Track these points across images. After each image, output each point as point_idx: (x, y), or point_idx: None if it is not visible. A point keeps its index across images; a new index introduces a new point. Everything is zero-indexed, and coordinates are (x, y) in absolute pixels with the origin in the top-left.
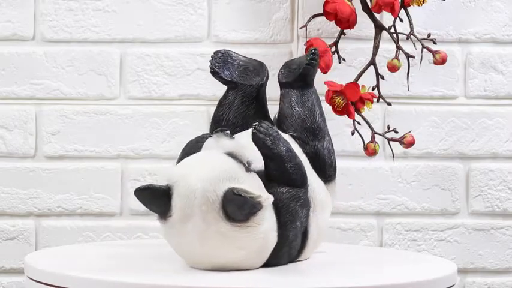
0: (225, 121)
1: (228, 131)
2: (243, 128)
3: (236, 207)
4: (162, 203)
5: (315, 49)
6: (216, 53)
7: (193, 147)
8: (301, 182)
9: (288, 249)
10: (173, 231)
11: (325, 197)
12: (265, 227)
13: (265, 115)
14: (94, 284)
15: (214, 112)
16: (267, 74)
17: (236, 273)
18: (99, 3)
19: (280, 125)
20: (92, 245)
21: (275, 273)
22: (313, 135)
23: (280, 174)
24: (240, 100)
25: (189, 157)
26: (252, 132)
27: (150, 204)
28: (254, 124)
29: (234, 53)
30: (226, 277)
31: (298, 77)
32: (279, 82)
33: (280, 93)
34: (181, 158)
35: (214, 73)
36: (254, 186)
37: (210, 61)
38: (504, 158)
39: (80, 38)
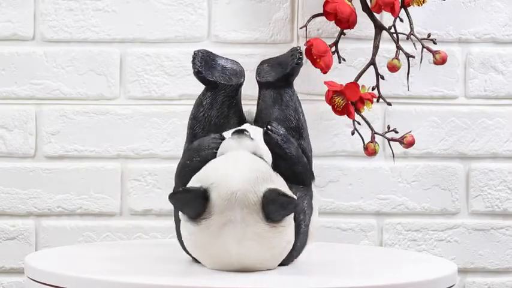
0: (206, 121)
1: (248, 132)
2: (223, 128)
3: (279, 208)
4: (200, 206)
5: (299, 48)
6: (196, 53)
7: (207, 148)
8: (309, 182)
9: (299, 248)
10: (207, 233)
11: (315, 196)
12: (292, 227)
13: (241, 115)
14: (94, 284)
15: (194, 112)
16: (244, 73)
17: (236, 274)
18: (99, 3)
19: (261, 125)
20: (92, 245)
21: (275, 273)
22: (298, 134)
23: (291, 173)
24: (221, 100)
25: (219, 159)
26: (265, 132)
27: (187, 207)
28: (266, 124)
29: (212, 52)
30: (226, 277)
31: (282, 76)
32: (259, 82)
33: (260, 93)
34: (191, 158)
35: (198, 73)
36: (283, 186)
37: (192, 61)
38: (504, 158)
39: (80, 38)
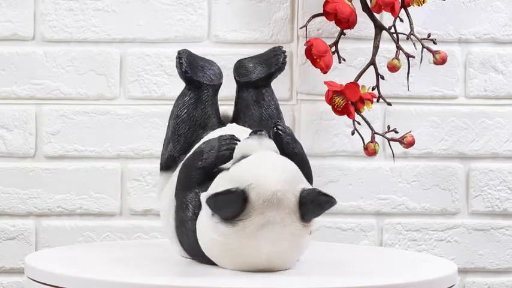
0: (191, 121)
1: (265, 132)
2: (206, 128)
3: (317, 207)
4: (240, 207)
5: (282, 47)
6: (182, 52)
7: (222, 149)
8: (312, 180)
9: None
10: (242, 235)
11: None
12: (315, 226)
13: (219, 115)
14: (94, 284)
15: (177, 112)
16: (222, 74)
17: (237, 274)
18: (99, 3)
19: (243, 125)
20: (92, 245)
21: (275, 273)
22: None
23: None
24: (205, 100)
25: (249, 159)
26: (275, 132)
27: (226, 209)
28: (274, 124)
29: (192, 53)
30: (227, 277)
31: (265, 76)
32: (239, 82)
33: (239, 93)
34: (203, 160)
35: (185, 73)
36: (309, 185)
37: (179, 61)
38: (504, 158)
39: (80, 38)
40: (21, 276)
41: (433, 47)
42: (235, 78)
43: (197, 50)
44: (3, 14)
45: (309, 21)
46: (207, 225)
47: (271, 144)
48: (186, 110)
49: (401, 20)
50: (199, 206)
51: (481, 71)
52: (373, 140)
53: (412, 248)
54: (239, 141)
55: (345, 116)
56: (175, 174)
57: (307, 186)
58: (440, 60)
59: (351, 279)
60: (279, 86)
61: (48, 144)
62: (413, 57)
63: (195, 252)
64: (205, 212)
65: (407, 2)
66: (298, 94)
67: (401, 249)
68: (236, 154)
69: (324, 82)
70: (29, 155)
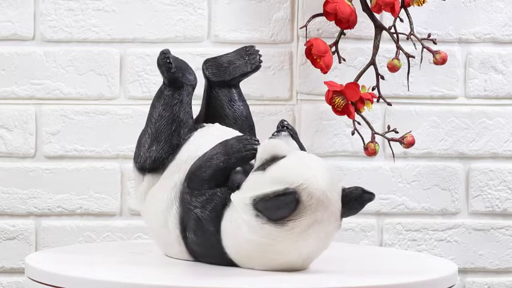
0: (176, 121)
1: (287, 132)
2: (189, 128)
3: (360, 205)
4: (293, 208)
5: (254, 46)
6: (166, 52)
7: (245, 150)
8: None
9: None
10: (290, 235)
11: None
12: None
13: (191, 114)
14: (94, 284)
15: (159, 112)
16: (195, 73)
17: (238, 274)
18: (99, 3)
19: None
20: (92, 245)
21: (274, 273)
22: (253, 131)
23: None
24: (186, 100)
25: (288, 159)
26: (285, 131)
27: (281, 211)
28: (284, 123)
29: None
30: (228, 277)
31: (240, 75)
32: (214, 81)
33: (212, 92)
34: (226, 161)
35: (174, 73)
36: None
37: (166, 60)
38: (504, 158)
39: (80, 38)
40: (21, 276)
41: (433, 47)
42: (207, 77)
43: (197, 50)
44: (3, 14)
45: (309, 21)
46: (246, 226)
47: (295, 144)
48: (170, 111)
49: (401, 20)
50: (220, 206)
51: (481, 71)
52: (373, 140)
53: (412, 248)
54: (258, 141)
55: (345, 116)
56: (171, 175)
57: (343, 184)
58: (440, 60)
59: (350, 279)
60: (279, 86)
61: (48, 144)
62: (413, 57)
63: (207, 252)
64: (243, 213)
65: (407, 2)
66: (298, 94)
67: (401, 249)
68: (263, 155)
69: (324, 82)
70: (29, 155)
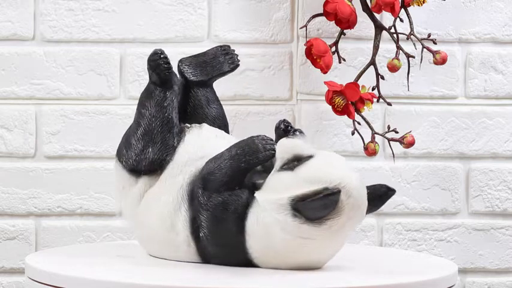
0: (170, 122)
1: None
2: (180, 129)
3: (383, 202)
4: (335, 207)
5: (229, 46)
6: (161, 53)
7: (265, 150)
8: None
9: None
10: (327, 233)
11: None
12: None
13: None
14: (94, 284)
15: (155, 113)
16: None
17: (238, 274)
18: (99, 3)
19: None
20: (92, 245)
21: (274, 273)
22: (227, 131)
23: None
24: (175, 100)
25: (321, 159)
26: (293, 131)
27: (324, 210)
28: (287, 122)
29: None
30: (228, 277)
31: (217, 75)
32: (192, 81)
33: (191, 92)
34: (247, 161)
35: (171, 73)
36: None
37: (164, 60)
38: (504, 158)
39: (80, 38)
40: (21, 276)
41: (433, 47)
42: (185, 77)
43: (197, 50)
44: (3, 14)
45: (309, 21)
46: (278, 226)
47: (309, 143)
48: (164, 111)
49: (401, 20)
50: (242, 207)
51: (481, 71)
52: (373, 140)
53: (412, 248)
54: (273, 141)
55: (345, 116)
56: (172, 176)
57: None
58: (440, 60)
59: (350, 279)
60: (279, 86)
61: (48, 144)
62: (413, 57)
63: (224, 253)
64: (277, 213)
65: (407, 2)
66: (298, 94)
67: (401, 249)
68: (285, 154)
69: (324, 82)
70: (29, 155)
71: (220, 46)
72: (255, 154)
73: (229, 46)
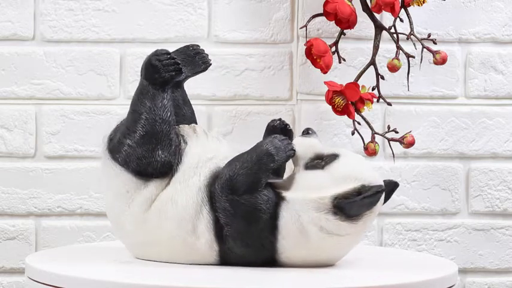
0: (172, 123)
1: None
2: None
3: (389, 197)
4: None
5: (198, 45)
6: (169, 54)
7: (286, 150)
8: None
9: None
10: (362, 229)
11: None
12: None
13: None
14: (94, 284)
15: (162, 115)
16: None
17: (239, 274)
18: (99, 3)
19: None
20: (92, 245)
21: (275, 273)
22: None
23: None
24: (171, 100)
25: (349, 157)
26: (287, 128)
27: (367, 207)
28: (278, 121)
29: None
30: (229, 277)
31: (190, 76)
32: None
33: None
34: (274, 162)
35: (180, 74)
36: None
37: (175, 62)
38: (504, 158)
39: (80, 38)
40: (21, 276)
41: (433, 47)
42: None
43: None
44: (3, 14)
45: (309, 21)
46: (317, 225)
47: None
48: (169, 112)
49: (401, 20)
50: (274, 206)
51: (481, 71)
52: (373, 140)
53: (412, 248)
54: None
55: (345, 116)
56: (186, 179)
57: None
58: (440, 60)
59: (350, 279)
60: (279, 86)
61: (48, 144)
62: (413, 57)
63: (250, 253)
64: (316, 211)
65: (407, 2)
66: (298, 94)
67: (401, 249)
68: (307, 154)
69: (324, 82)
70: (29, 155)
71: (189, 45)
72: (280, 154)
73: (198, 45)
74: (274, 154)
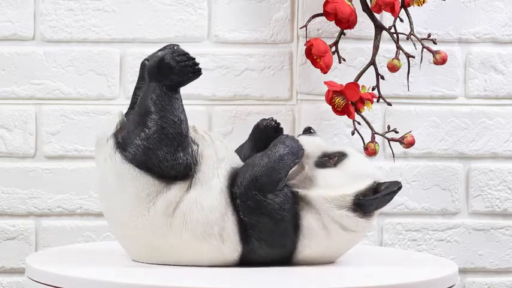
0: (188, 125)
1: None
2: None
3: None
4: None
5: (178, 45)
6: (187, 54)
7: (302, 148)
8: None
9: None
10: (370, 224)
11: None
12: None
13: None
14: (94, 284)
15: (180, 116)
16: None
17: (239, 273)
18: (99, 3)
19: None
20: (92, 245)
21: (275, 273)
22: None
23: None
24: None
25: (357, 155)
26: (277, 127)
27: (385, 204)
28: (270, 121)
29: None
30: (229, 277)
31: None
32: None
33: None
34: (294, 161)
35: (198, 75)
36: None
37: (193, 61)
38: (504, 158)
39: (80, 38)
40: (21, 276)
41: (433, 47)
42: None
43: (197, 50)
44: (3, 14)
45: (309, 21)
46: (338, 223)
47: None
48: (184, 114)
49: (401, 20)
50: (294, 205)
51: (481, 71)
52: (373, 140)
53: (412, 248)
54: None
55: (345, 116)
56: (207, 180)
57: None
58: (440, 60)
59: (350, 279)
60: (279, 86)
61: (48, 144)
62: (413, 57)
63: (273, 253)
64: (338, 209)
65: (407, 2)
66: (298, 94)
67: (401, 249)
68: (315, 152)
69: (324, 82)
70: (29, 155)
71: (171, 45)
72: (298, 152)
73: (178, 45)
74: (295, 153)
